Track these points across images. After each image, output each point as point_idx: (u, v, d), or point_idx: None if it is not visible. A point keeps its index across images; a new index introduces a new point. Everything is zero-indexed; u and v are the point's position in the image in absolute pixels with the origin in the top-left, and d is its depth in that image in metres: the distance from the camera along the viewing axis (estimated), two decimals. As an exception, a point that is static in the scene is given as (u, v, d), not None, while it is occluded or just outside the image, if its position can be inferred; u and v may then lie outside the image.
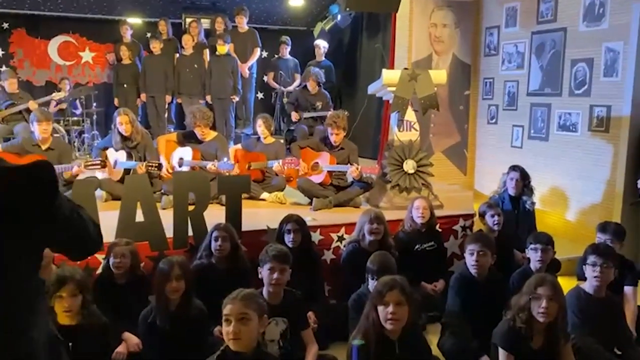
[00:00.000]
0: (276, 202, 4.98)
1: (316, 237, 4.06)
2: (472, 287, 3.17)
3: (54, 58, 8.29)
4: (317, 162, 4.91)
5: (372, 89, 5.19)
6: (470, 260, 3.18)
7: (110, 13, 8.26)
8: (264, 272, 2.90)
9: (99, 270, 3.35)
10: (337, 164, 4.83)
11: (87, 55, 8.44)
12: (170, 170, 4.83)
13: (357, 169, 4.65)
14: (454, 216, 4.54)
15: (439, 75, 4.83)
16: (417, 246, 4.01)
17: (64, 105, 7.33)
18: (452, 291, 3.23)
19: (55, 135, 4.94)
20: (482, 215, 4.16)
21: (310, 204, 4.77)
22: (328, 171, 4.83)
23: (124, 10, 8.20)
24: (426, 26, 6.51)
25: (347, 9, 6.31)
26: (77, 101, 7.50)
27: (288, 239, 3.58)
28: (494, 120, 6.58)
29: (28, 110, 6.10)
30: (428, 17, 6.50)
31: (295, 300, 2.96)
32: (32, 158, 4.17)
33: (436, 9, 6.52)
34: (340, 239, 4.17)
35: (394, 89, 4.68)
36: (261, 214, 4.52)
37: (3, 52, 8.05)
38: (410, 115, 4.79)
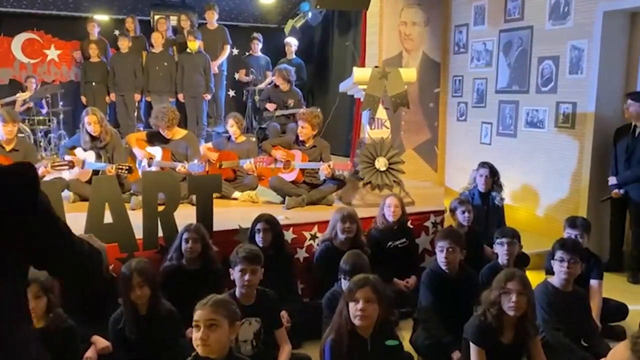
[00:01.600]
0: (248, 201, 4.95)
1: (289, 235, 4.05)
2: (443, 283, 3.20)
3: (17, 56, 8.07)
4: (289, 160, 4.89)
5: (343, 87, 5.20)
6: (440, 256, 3.22)
7: (77, 10, 8.09)
8: (235, 273, 2.88)
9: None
10: (309, 161, 4.82)
11: (52, 53, 8.25)
12: (149, 157, 4.81)
13: (330, 166, 4.65)
14: (425, 213, 4.58)
15: (409, 74, 4.87)
16: (389, 243, 4.04)
17: (30, 104, 7.15)
18: (424, 287, 3.26)
19: (20, 135, 4.80)
20: (452, 211, 4.21)
21: (283, 202, 4.75)
22: (300, 169, 4.82)
23: (90, 7, 8.04)
24: (396, 24, 6.54)
25: (318, 6, 6.30)
26: (43, 100, 7.32)
27: (258, 238, 3.56)
28: (463, 118, 6.66)
29: (-9, 110, 5.90)
30: (398, 15, 6.54)
31: (268, 299, 2.94)
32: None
33: (406, 7, 6.56)
34: (313, 237, 4.17)
35: (365, 87, 4.70)
36: (233, 213, 4.47)
37: (-36, 50, 7.82)
38: (381, 113, 4.81)
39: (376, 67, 4.95)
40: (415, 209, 4.58)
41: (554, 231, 4.65)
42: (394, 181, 4.71)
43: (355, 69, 4.85)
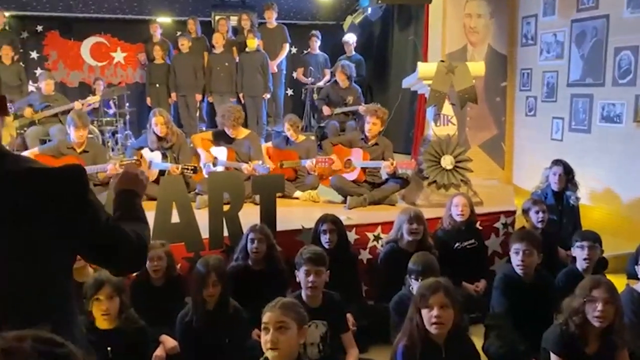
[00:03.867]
0: (309, 200, 4.91)
1: (352, 236, 3.97)
2: (518, 288, 3.05)
3: (86, 59, 8.40)
4: (349, 159, 4.81)
5: (406, 82, 5.07)
6: (515, 259, 3.06)
7: (141, 13, 8.32)
8: (300, 275, 2.84)
9: (135, 273, 3.33)
10: (371, 160, 4.73)
11: (118, 56, 8.53)
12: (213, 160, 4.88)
13: (392, 164, 4.53)
14: (495, 213, 4.38)
15: (478, 67, 4.68)
16: (456, 244, 3.88)
17: (97, 105, 7.41)
18: (497, 292, 3.11)
19: (89, 136, 4.96)
20: (525, 212, 4.00)
21: (344, 202, 4.68)
22: (361, 168, 4.73)
23: (153, 10, 8.24)
24: (460, 17, 6.32)
25: (379, 1, 6.18)
26: (110, 101, 7.57)
27: (324, 239, 3.50)
28: (532, 113, 6.36)
29: (64, 112, 6.15)
30: (462, 8, 6.32)
31: (334, 302, 2.89)
32: (67, 161, 4.20)
33: (470, -1, 6.34)
34: (377, 238, 4.08)
35: (430, 82, 4.56)
36: (295, 213, 4.46)
37: (38, 55, 8.19)
38: (447, 109, 4.66)
39: (442, 61, 4.78)
40: (483, 209, 4.39)
41: (633, 232, 4.36)
42: (461, 180, 4.54)
43: (419, 63, 4.71)
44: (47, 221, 1.25)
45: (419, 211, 3.67)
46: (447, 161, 4.52)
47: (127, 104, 7.67)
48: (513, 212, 4.42)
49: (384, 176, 4.83)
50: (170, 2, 8.19)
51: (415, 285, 2.87)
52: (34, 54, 8.17)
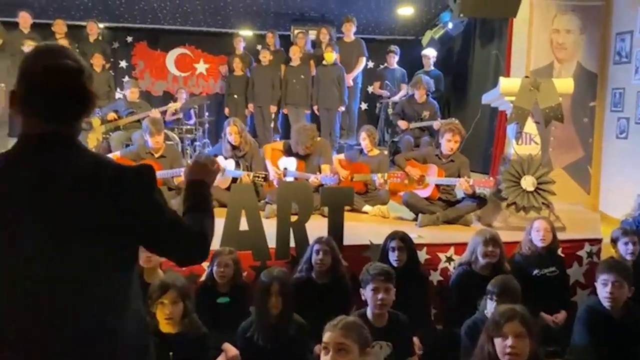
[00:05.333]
0: (379, 216, 4.80)
1: (422, 256, 3.81)
2: (604, 322, 2.80)
3: (171, 69, 8.76)
4: (423, 175, 4.66)
5: (487, 98, 4.86)
6: (603, 291, 2.80)
7: (224, 26, 8.60)
8: (367, 292, 2.73)
9: (202, 278, 3.35)
10: (446, 177, 4.55)
11: (201, 67, 8.83)
12: (278, 175, 4.85)
13: (468, 182, 4.34)
14: (579, 240, 4.07)
15: (565, 85, 4.41)
16: (535, 271, 3.62)
17: (179, 115, 7.69)
18: (580, 325, 2.86)
19: (168, 142, 5.12)
20: (614, 241, 3.68)
21: (416, 219, 4.52)
22: (435, 185, 4.56)
23: (236, 23, 8.49)
24: (548, 32, 6.02)
25: (461, 15, 6.00)
26: (191, 111, 7.83)
27: (393, 257, 3.37)
28: (623, 135, 5.91)
29: (145, 119, 6.40)
30: (550, 23, 6.02)
31: (401, 324, 2.76)
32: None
33: (559, 13, 6.02)
34: (449, 259, 3.89)
35: (512, 98, 4.33)
36: (363, 228, 4.36)
37: (127, 64, 8.65)
38: (530, 127, 4.40)
39: (526, 77, 4.54)
40: (566, 236, 4.09)
41: None
42: (543, 203, 4.26)
43: (502, 79, 4.49)
44: (113, 212, 1.28)
45: (495, 233, 3.46)
46: (528, 182, 4.26)
47: (207, 114, 7.90)
48: (599, 241, 4.09)
49: (459, 195, 4.64)
50: (253, 16, 8.39)
51: (490, 307, 2.69)
52: (123, 63, 8.64)
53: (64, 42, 6.96)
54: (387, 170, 4.94)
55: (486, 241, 3.33)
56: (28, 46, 6.31)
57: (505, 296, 2.64)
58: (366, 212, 4.88)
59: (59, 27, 7.17)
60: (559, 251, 3.82)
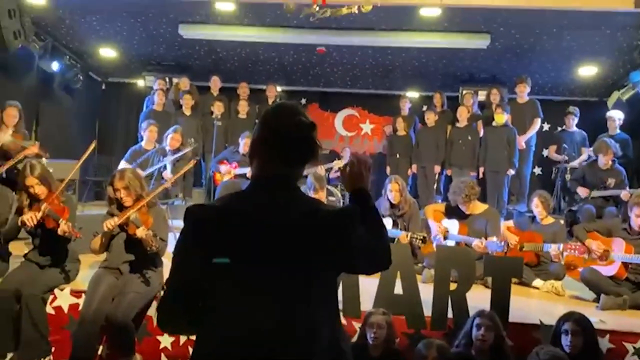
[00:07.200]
0: (552, 292, 4.34)
1: (604, 344, 3.29)
2: None
3: (338, 129, 9.15)
4: (607, 250, 4.10)
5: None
6: None
7: (391, 88, 8.81)
8: (536, 379, 2.39)
9: (354, 339, 3.25)
10: (636, 254, 3.94)
11: (366, 127, 9.09)
12: (442, 231, 4.73)
13: (666, 263, 3.70)
14: None
15: None
16: None
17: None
18: None
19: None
20: None
21: (597, 300, 4.00)
22: (622, 262, 3.99)
23: (403, 85, 8.64)
24: None
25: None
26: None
27: (566, 341, 2.94)
28: None
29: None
30: None
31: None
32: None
33: None
34: (638, 351, 3.30)
35: None
36: (533, 304, 3.99)
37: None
38: None
39: None
40: None
41: None
42: None
43: None
44: (329, 250, 1.49)
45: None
46: None
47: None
48: None
49: (653, 277, 3.98)
50: (420, 78, 8.48)
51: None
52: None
53: (244, 103, 7.68)
54: (564, 242, 4.46)
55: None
56: (217, 108, 7.13)
57: None
58: (537, 287, 4.46)
59: (243, 90, 7.94)
60: None
